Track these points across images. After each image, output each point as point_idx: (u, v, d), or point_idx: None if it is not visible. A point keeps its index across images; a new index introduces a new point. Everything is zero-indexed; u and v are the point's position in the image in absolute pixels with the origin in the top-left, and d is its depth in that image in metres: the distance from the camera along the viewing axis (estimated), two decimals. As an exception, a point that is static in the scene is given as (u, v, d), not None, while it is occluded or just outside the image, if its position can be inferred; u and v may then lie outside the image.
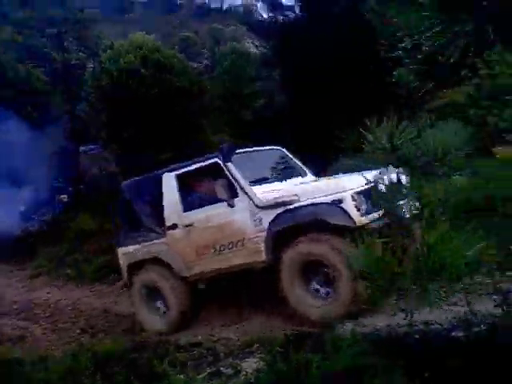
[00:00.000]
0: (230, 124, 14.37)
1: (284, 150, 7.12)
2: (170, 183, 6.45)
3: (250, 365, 3.95)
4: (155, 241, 6.45)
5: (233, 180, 5.94)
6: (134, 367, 4.33)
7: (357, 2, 8.68)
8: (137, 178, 6.95)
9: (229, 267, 5.91)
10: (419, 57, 3.89)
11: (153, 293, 6.61)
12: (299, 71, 10.71)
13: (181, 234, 6.29)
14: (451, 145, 1.79)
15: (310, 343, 3.83)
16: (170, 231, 6.36)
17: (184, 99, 12.21)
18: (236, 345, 5.13)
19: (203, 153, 6.74)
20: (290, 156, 7.02)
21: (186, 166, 6.50)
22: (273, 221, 5.51)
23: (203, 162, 6.27)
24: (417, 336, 3.12)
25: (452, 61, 1.59)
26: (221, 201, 6.01)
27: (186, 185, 6.60)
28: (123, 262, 6.77)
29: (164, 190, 6.47)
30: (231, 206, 5.85)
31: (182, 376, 4.05)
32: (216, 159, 6.10)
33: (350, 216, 5.02)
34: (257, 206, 5.68)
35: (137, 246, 6.58)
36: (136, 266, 6.62)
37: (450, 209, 1.81)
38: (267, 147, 7.02)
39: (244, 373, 3.62)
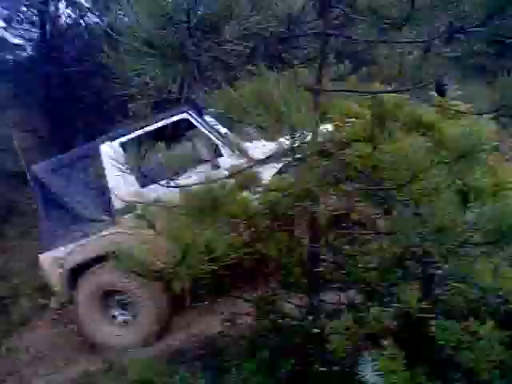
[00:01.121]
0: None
1: None
2: (113, 154, 5.01)
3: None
4: (102, 233, 4.93)
5: (213, 136, 4.93)
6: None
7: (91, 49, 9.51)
8: (58, 157, 5.48)
9: None
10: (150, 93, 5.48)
11: (106, 299, 5.13)
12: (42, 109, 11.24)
13: None
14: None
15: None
16: (126, 216, 4.90)
17: None
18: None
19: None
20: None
21: (131, 132, 5.13)
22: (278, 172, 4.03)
23: (161, 121, 5.07)
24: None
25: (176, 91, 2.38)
26: (200, 163, 4.69)
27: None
28: (55, 271, 5.03)
29: (105, 164, 4.99)
30: (217, 167, 4.67)
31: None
32: (184, 114, 5.03)
33: None
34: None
35: (72, 246, 4.97)
36: (79, 270, 4.99)
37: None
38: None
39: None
